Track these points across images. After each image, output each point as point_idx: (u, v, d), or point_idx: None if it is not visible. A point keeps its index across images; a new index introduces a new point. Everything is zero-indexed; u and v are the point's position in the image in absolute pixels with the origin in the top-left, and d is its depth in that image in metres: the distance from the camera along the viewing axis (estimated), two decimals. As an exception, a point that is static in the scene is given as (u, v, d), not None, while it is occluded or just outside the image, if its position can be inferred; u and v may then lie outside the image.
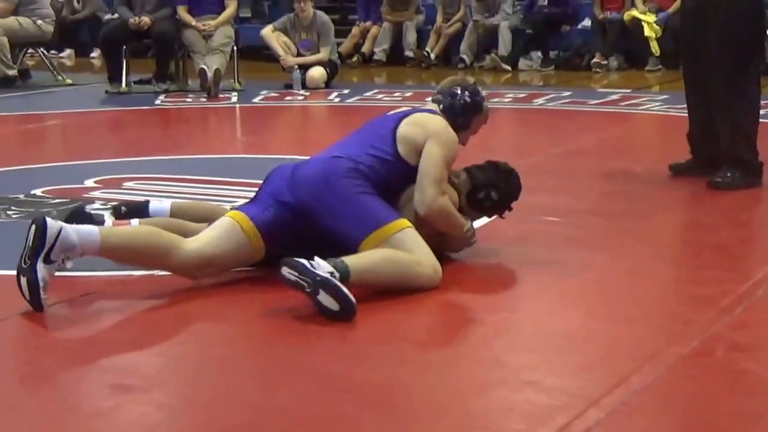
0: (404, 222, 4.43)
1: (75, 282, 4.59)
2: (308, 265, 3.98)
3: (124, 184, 6.53)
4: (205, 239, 4.42)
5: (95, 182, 6.63)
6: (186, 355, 3.87)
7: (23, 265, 4.10)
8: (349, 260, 4.16)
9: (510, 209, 4.99)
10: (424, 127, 4.66)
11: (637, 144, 8.95)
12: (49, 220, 4.14)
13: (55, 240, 4.11)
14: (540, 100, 10.74)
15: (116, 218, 4.98)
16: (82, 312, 4.32)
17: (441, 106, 4.85)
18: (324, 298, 3.96)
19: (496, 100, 10.49)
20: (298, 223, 4.46)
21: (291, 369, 3.63)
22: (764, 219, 5.67)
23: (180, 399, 3.45)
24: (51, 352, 3.86)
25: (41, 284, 4.09)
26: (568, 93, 11.24)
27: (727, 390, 3.42)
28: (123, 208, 5.10)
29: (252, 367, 3.69)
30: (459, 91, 4.87)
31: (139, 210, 5.04)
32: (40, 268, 4.09)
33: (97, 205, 5.89)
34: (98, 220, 4.82)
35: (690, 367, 3.62)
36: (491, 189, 4.88)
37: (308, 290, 3.97)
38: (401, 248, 4.33)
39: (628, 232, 5.40)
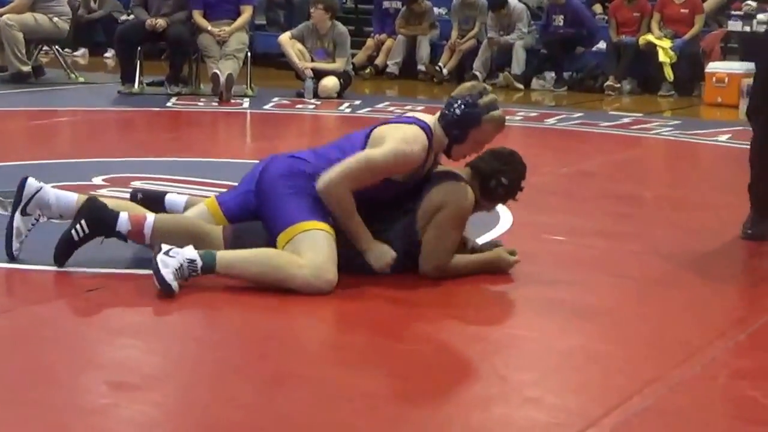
0: (315, 224, 4.51)
1: (80, 278, 4.60)
2: (163, 250, 4.34)
3: (132, 183, 6.52)
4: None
5: (103, 180, 6.63)
6: (186, 355, 3.86)
7: (5, 212, 4.88)
8: (220, 252, 4.43)
9: (521, 189, 4.97)
10: (382, 140, 4.66)
11: (646, 168, 8.94)
12: (30, 178, 4.79)
13: (32, 196, 4.75)
14: (551, 120, 10.73)
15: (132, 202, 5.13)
16: (85, 308, 4.33)
17: (440, 115, 4.79)
18: (155, 278, 4.31)
19: (506, 117, 10.45)
20: (251, 207, 4.74)
21: (290, 375, 3.63)
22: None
23: (177, 399, 3.44)
24: (51, 346, 3.85)
25: (14, 232, 4.72)
26: (579, 114, 11.23)
27: (728, 415, 3.42)
28: (139, 194, 5.18)
29: (251, 370, 3.68)
30: (454, 102, 4.75)
31: (156, 200, 5.11)
32: (17, 218, 4.74)
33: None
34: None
35: (692, 391, 3.61)
36: (500, 175, 4.87)
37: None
38: (298, 247, 4.46)
39: (634, 255, 5.38)
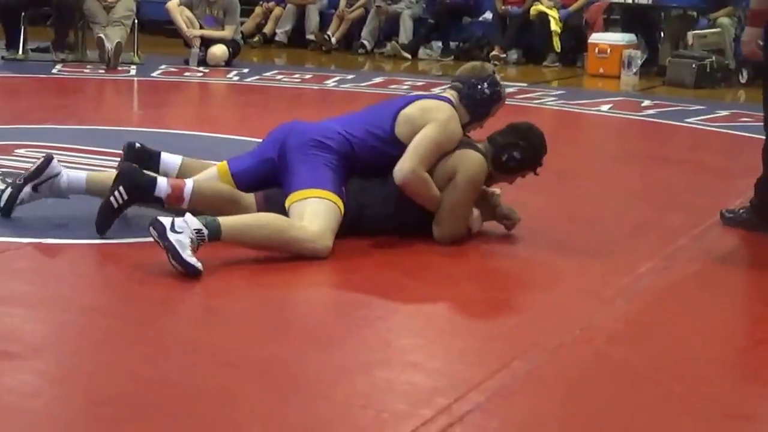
0: (328, 194, 4.64)
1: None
2: (167, 227, 4.21)
3: (15, 150, 6.45)
4: None
5: (-14, 147, 6.55)
6: (70, 324, 3.84)
7: (18, 181, 4.89)
8: (224, 219, 4.37)
9: (540, 164, 5.10)
10: (428, 112, 4.89)
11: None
12: (55, 160, 4.89)
13: (49, 179, 4.84)
14: (438, 90, 10.71)
15: (126, 152, 5.21)
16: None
17: (460, 95, 5.04)
18: (173, 261, 4.19)
19: (393, 86, 10.54)
20: (268, 175, 4.85)
21: (175, 342, 3.64)
22: (648, 216, 5.78)
23: (61, 367, 3.43)
24: (-68, 315, 3.81)
25: (18, 201, 4.83)
26: (466, 84, 11.29)
27: (604, 378, 3.51)
28: (137, 144, 5.24)
29: (136, 338, 3.68)
30: (479, 84, 5.05)
31: (151, 157, 5.19)
32: (27, 191, 4.84)
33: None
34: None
35: (570, 355, 3.70)
36: (512, 149, 4.98)
37: (165, 252, 4.23)
38: (307, 209, 4.57)
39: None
